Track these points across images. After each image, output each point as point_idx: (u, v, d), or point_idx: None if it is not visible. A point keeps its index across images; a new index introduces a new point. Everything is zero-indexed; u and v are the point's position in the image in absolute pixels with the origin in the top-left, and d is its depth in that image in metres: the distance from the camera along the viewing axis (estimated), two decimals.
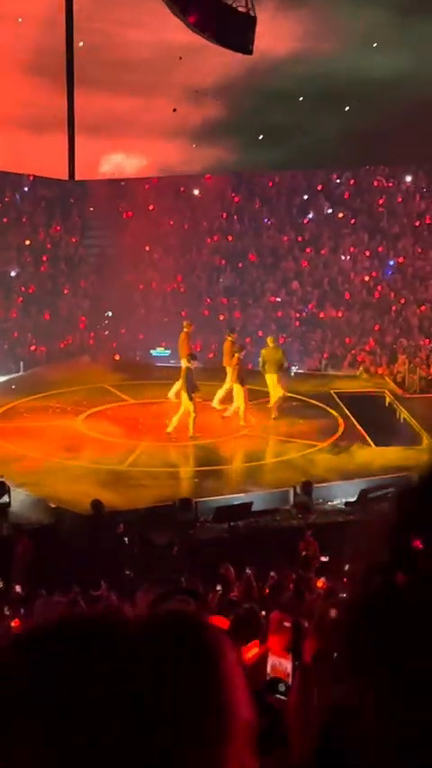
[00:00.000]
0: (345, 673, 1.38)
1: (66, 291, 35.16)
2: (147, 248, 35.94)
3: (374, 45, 28.10)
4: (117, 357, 32.53)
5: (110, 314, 33.70)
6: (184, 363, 23.60)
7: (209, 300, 34.83)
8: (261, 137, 28.95)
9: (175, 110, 27.62)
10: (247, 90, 26.78)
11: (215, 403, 24.88)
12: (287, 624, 5.54)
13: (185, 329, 24.93)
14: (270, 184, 36.86)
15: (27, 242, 35.15)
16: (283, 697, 5.18)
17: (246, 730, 1.28)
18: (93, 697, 1.22)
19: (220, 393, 24.85)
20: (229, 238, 36.22)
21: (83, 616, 1.36)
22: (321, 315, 33.73)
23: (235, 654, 1.34)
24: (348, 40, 27.98)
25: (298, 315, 33.87)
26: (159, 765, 1.19)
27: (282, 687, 5.33)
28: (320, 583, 14.69)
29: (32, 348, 32.75)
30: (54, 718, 1.21)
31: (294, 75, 26.79)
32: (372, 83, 28.09)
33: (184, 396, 23.29)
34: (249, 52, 20.39)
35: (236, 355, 24.57)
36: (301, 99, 28.73)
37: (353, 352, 32.14)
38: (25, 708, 1.22)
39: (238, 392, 24.23)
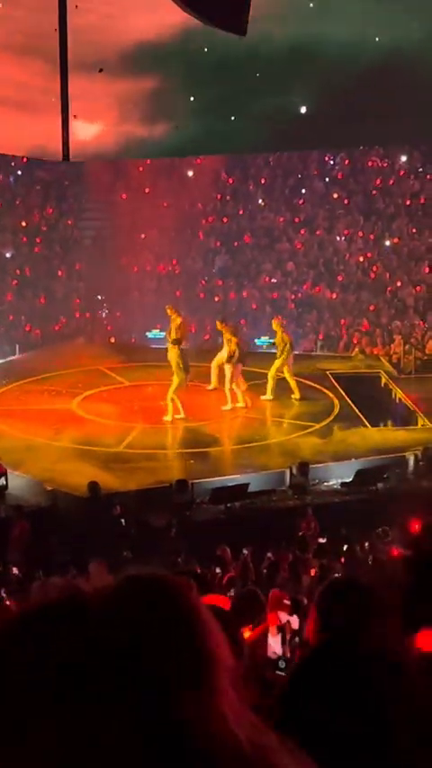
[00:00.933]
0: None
1: (61, 274, 35.13)
2: (141, 230, 35.88)
3: None
4: (112, 340, 32.54)
5: (100, 297, 33.65)
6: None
7: (204, 282, 34.80)
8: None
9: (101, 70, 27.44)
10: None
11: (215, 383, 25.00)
12: (286, 602, 5.58)
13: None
14: (265, 164, 36.80)
15: (23, 224, 35.08)
16: (283, 674, 5.21)
17: (229, 674, 1.29)
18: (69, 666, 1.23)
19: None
20: (224, 220, 36.18)
21: (44, 600, 1.36)
22: (316, 295, 33.71)
23: (201, 600, 1.35)
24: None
25: (293, 296, 33.84)
26: (150, 722, 1.20)
27: (282, 664, 5.36)
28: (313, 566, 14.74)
29: (27, 330, 32.72)
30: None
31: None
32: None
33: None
34: (244, 33, 20.24)
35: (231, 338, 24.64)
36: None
37: (348, 332, 32.13)
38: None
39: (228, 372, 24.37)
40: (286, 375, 25.12)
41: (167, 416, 23.52)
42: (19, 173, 35.88)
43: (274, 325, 25.77)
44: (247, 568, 14.62)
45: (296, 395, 25.20)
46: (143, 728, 1.19)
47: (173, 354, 23.67)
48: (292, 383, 25.20)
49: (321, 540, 17.13)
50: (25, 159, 34.47)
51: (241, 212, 36.28)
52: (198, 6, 19.82)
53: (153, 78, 30.32)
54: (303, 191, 36.42)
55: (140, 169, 36.28)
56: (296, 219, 35.80)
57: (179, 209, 36.19)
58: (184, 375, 23.50)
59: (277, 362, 25.11)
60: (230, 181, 36.92)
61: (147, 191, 36.27)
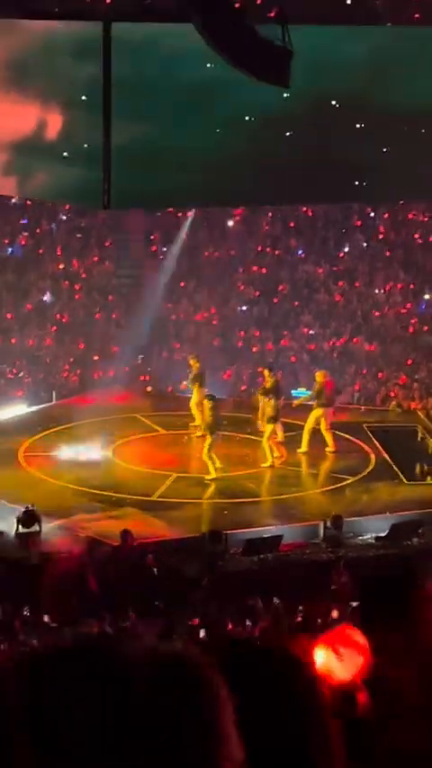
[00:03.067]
0: None
1: (99, 321, 35.24)
2: (180, 279, 36.00)
3: None
4: (149, 388, 32.57)
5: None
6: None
7: (242, 332, 34.81)
8: None
9: None
10: None
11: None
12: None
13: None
14: (305, 215, 36.88)
15: (61, 269, 35.28)
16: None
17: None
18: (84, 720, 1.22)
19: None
20: (263, 270, 36.24)
21: (90, 641, 1.36)
22: (354, 348, 33.65)
23: (228, 694, 1.34)
24: None
25: (330, 347, 33.80)
26: None
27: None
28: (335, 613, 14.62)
29: (65, 377, 32.82)
30: (47, 735, 1.22)
31: None
32: None
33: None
34: (287, 86, 20.41)
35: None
36: None
37: (386, 386, 32.02)
38: (23, 724, 1.23)
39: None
40: (322, 427, 25.03)
41: (210, 475, 23.34)
42: (63, 217, 36.13)
43: (318, 377, 25.65)
44: (280, 619, 14.52)
45: (330, 447, 25.10)
46: None
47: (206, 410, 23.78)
48: (328, 436, 25.11)
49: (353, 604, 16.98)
50: (68, 206, 34.73)
51: (280, 263, 36.34)
52: (244, 62, 20.03)
53: None
54: (344, 242, 36.48)
55: (180, 216, 36.41)
56: (336, 270, 35.84)
57: (218, 259, 36.32)
58: (215, 432, 23.45)
59: (316, 413, 25.03)
60: (270, 231, 36.99)
61: (185, 239, 36.40)
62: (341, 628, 2.75)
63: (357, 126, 25.92)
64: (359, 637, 2.71)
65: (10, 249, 35.15)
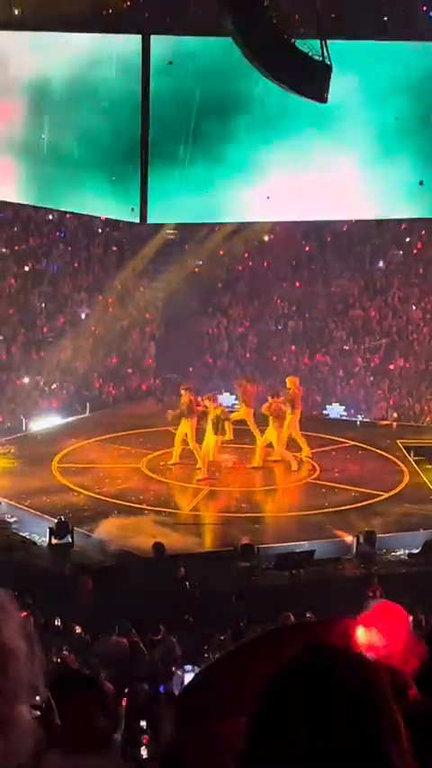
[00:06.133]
0: None
1: (134, 335, 35.29)
2: (215, 293, 36.03)
3: None
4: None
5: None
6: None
7: (276, 347, 34.77)
8: None
9: None
10: None
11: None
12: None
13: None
14: (341, 230, 36.81)
15: (96, 282, 35.35)
16: None
17: None
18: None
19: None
20: (297, 284, 36.19)
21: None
22: (389, 364, 33.55)
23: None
24: None
25: (365, 363, 33.71)
26: None
27: None
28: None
29: (98, 390, 32.86)
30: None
31: None
32: None
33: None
34: (324, 101, 20.44)
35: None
36: None
37: (421, 402, 31.89)
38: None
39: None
40: (295, 433, 25.06)
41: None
42: (99, 230, 36.21)
43: (289, 383, 25.71)
44: None
45: (306, 452, 25.15)
46: None
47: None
48: (302, 440, 25.18)
49: None
50: (104, 218, 34.82)
51: (316, 278, 36.28)
52: (281, 75, 20.06)
53: None
54: (379, 258, 36.40)
55: (216, 230, 36.43)
56: (371, 287, 35.75)
57: (253, 273, 36.33)
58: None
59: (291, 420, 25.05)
60: (306, 246, 36.97)
61: (221, 253, 36.42)
62: (380, 605, 2.72)
63: None
64: (399, 612, 2.69)
65: (45, 262, 35.24)
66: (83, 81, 23.61)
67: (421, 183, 24.58)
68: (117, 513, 21.49)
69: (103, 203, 26.39)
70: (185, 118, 23.65)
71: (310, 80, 19.91)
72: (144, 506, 21.98)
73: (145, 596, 17.48)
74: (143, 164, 22.62)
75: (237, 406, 25.94)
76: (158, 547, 18.93)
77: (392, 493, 23.36)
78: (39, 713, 4.53)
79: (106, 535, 20.25)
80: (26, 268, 34.47)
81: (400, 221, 34.69)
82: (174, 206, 26.06)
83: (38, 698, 4.63)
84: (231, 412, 25.61)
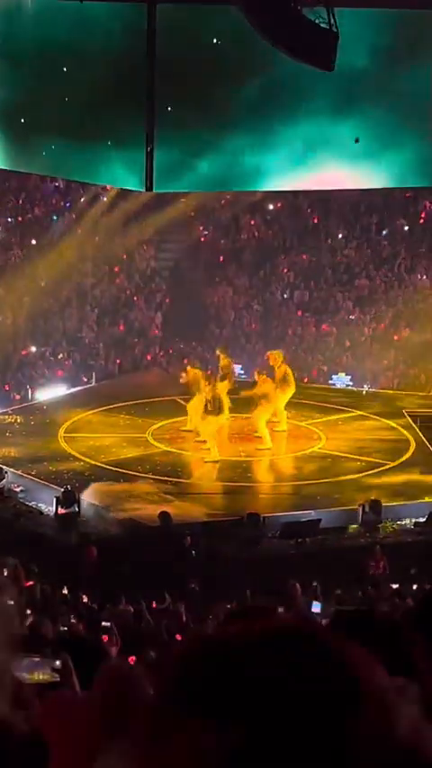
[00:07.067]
0: None
1: (139, 304, 35.26)
2: (221, 263, 35.98)
3: None
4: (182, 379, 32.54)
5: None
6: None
7: (282, 316, 34.73)
8: None
9: None
10: None
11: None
12: None
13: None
14: (347, 201, 36.68)
15: (103, 253, 35.27)
16: None
17: None
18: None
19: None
20: (304, 255, 36.11)
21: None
22: (395, 333, 33.50)
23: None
24: None
25: (371, 333, 33.66)
26: None
27: None
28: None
29: (104, 359, 32.87)
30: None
31: None
32: None
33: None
34: (331, 69, 20.25)
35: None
36: None
37: (426, 371, 31.87)
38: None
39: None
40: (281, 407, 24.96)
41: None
42: (104, 199, 36.11)
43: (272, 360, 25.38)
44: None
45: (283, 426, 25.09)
46: None
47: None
48: (283, 415, 25.13)
49: (394, 586, 16.91)
50: (109, 187, 34.70)
51: (322, 248, 36.19)
52: (286, 42, 19.89)
53: None
54: (385, 228, 36.28)
55: (222, 202, 36.34)
56: (377, 257, 35.66)
57: (259, 243, 36.26)
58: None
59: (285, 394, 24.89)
60: (312, 216, 36.86)
61: (226, 223, 36.35)
62: None
63: None
64: None
65: (55, 217, 35.07)
66: (86, 46, 23.42)
67: (357, 140, 24.33)
68: (123, 482, 21.54)
69: (109, 172, 26.28)
70: (193, 83, 23.52)
71: (317, 49, 19.74)
72: (151, 475, 22.02)
73: (151, 565, 17.54)
74: (149, 132, 22.51)
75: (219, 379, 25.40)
76: (164, 516, 18.98)
77: (398, 462, 23.38)
78: (58, 677, 4.56)
79: (112, 505, 20.30)
80: (32, 238, 34.38)
81: (405, 190, 34.58)
82: (180, 175, 25.94)
83: (57, 662, 4.66)
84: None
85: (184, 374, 24.85)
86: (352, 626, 1.81)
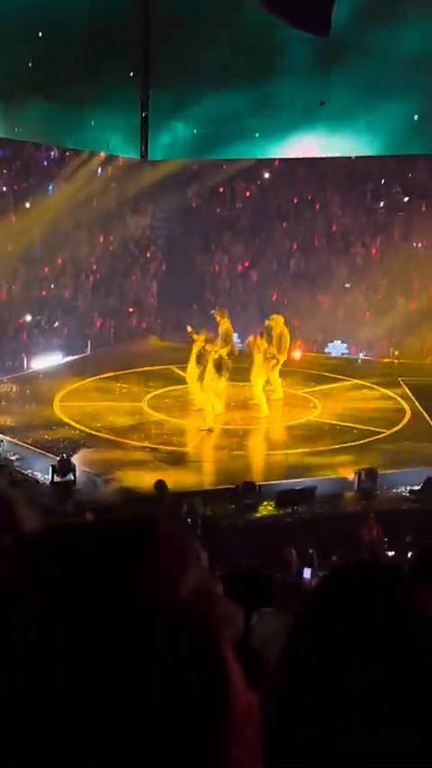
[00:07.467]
0: None
1: (134, 272, 35.20)
2: (215, 231, 35.89)
3: None
4: (188, 340, 32.53)
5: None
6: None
7: (277, 285, 34.69)
8: None
9: None
10: None
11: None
12: None
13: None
14: (342, 168, 36.55)
15: (98, 221, 35.17)
16: None
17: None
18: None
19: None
20: (299, 223, 36.03)
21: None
22: (390, 301, 33.47)
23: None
24: None
25: (366, 301, 33.63)
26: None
27: None
28: None
29: (99, 328, 32.85)
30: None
31: None
32: None
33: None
34: (326, 35, 20.15)
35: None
36: None
37: (421, 339, 31.88)
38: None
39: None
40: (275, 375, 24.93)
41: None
42: (99, 170, 35.95)
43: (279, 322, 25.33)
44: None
45: (279, 395, 25.07)
46: None
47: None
48: (278, 383, 25.12)
49: (390, 554, 16.93)
50: (103, 155, 34.57)
51: (317, 216, 36.10)
52: (280, 9, 19.78)
53: None
54: (380, 196, 36.17)
55: (217, 169, 36.21)
56: (372, 225, 35.57)
57: (255, 211, 36.16)
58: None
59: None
60: (308, 184, 36.73)
61: (221, 191, 36.25)
62: None
63: None
64: None
65: (50, 186, 34.91)
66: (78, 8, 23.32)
67: (322, 103, 24.27)
68: (120, 451, 21.55)
69: (105, 140, 26.23)
70: (189, 49, 23.43)
71: (312, 15, 19.63)
72: (146, 444, 22.02)
73: None
74: (144, 98, 22.45)
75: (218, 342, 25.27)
76: (160, 484, 18.98)
77: (394, 430, 23.40)
78: None
79: (108, 473, 20.31)
80: (27, 205, 34.22)
81: (401, 158, 34.48)
82: (176, 142, 25.91)
83: None
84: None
85: (191, 329, 24.70)
86: (352, 575, 1.82)
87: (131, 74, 24.77)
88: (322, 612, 1.80)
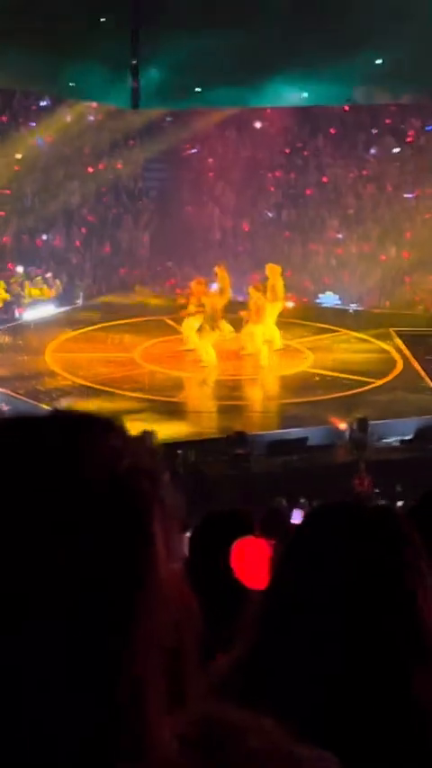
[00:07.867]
0: None
1: (126, 224, 35.08)
2: (207, 182, 35.75)
3: None
4: (178, 291, 32.49)
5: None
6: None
7: (269, 235, 34.60)
8: None
9: None
10: None
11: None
12: None
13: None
14: (335, 117, 36.36)
15: (89, 170, 34.99)
16: None
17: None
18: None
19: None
20: (291, 173, 35.89)
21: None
22: (381, 252, 33.41)
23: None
24: None
25: (358, 252, 33.56)
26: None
27: None
28: None
29: (92, 279, 32.78)
30: None
31: None
32: None
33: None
34: None
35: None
36: None
37: (412, 290, 31.86)
38: None
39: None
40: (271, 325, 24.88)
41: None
42: (91, 118, 35.67)
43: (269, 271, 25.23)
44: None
45: (279, 345, 25.05)
46: None
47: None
48: (276, 332, 25.08)
49: (382, 502, 17.00)
50: (95, 105, 34.36)
51: (309, 166, 35.95)
52: None
53: None
54: (372, 146, 36.00)
55: (208, 120, 36.00)
56: (364, 174, 35.43)
57: (246, 162, 36.00)
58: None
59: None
60: (299, 133, 36.54)
61: (214, 141, 36.07)
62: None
63: None
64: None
65: (39, 140, 34.70)
66: None
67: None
68: (109, 401, 21.56)
69: (95, 89, 26.11)
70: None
71: None
72: (137, 394, 22.03)
73: None
74: (134, 49, 22.31)
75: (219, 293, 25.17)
76: (149, 434, 18.97)
77: (385, 380, 23.42)
78: None
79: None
80: (18, 155, 34.02)
81: (392, 107, 34.39)
82: (166, 92, 25.81)
83: None
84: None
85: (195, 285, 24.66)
86: (335, 517, 1.86)
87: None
88: (308, 544, 1.84)
